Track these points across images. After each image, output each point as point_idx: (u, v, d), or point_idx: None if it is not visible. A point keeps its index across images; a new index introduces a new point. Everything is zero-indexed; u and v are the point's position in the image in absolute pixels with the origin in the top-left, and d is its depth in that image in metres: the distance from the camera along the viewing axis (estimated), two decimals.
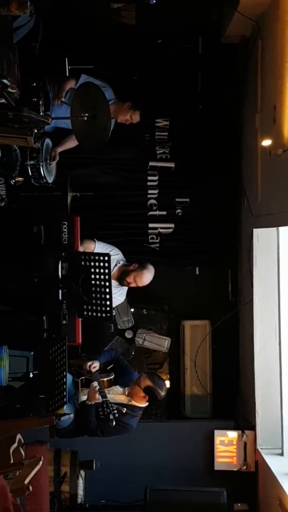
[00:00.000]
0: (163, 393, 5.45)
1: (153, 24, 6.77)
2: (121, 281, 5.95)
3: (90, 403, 5.31)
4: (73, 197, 6.30)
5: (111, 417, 5.08)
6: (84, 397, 5.42)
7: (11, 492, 3.63)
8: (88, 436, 5.49)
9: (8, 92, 4.51)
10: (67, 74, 6.11)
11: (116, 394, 5.51)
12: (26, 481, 3.86)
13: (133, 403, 5.45)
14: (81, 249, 5.65)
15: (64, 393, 4.72)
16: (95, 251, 5.82)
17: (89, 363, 5.53)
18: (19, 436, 4.27)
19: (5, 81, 4.43)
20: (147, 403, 5.49)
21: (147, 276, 5.97)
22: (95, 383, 5.34)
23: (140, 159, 6.87)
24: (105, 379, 5.52)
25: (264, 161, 5.53)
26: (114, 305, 5.58)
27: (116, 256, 6.05)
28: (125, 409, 5.27)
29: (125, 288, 6.13)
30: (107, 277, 5.27)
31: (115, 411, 5.11)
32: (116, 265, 6.00)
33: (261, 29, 5.82)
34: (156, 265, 6.17)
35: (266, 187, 5.67)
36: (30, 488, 3.80)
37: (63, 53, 6.19)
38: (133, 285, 5.98)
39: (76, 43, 6.51)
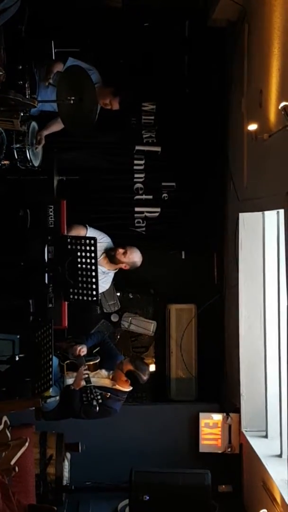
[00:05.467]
0: (145, 377, 5.48)
1: (140, 7, 6.73)
2: (112, 258, 5.98)
3: (74, 388, 5.33)
4: (59, 180, 6.29)
5: (94, 403, 5.13)
6: (70, 380, 5.43)
7: None
8: (73, 419, 5.51)
9: None
10: (53, 57, 6.08)
11: (101, 378, 5.53)
12: (12, 462, 3.88)
13: (117, 387, 5.48)
14: (70, 233, 5.66)
15: (50, 376, 4.73)
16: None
17: (78, 348, 5.55)
18: (5, 418, 4.30)
19: None
20: (131, 387, 5.52)
21: (137, 253, 6.04)
22: (84, 368, 5.35)
23: (126, 143, 6.86)
24: (91, 362, 5.55)
25: (250, 146, 5.54)
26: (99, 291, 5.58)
27: (106, 244, 6.06)
28: (109, 394, 5.32)
29: (111, 276, 6.16)
30: (93, 260, 5.27)
31: (99, 397, 5.15)
32: (103, 252, 6.02)
33: (247, 12, 5.81)
34: (142, 249, 6.19)
35: (252, 172, 5.68)
36: (16, 468, 3.83)
37: (49, 36, 6.15)
38: (123, 259, 6.00)
39: (62, 25, 6.46)
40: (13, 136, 5.48)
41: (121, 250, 6.03)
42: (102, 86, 6.03)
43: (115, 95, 6.02)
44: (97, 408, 5.14)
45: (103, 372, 5.60)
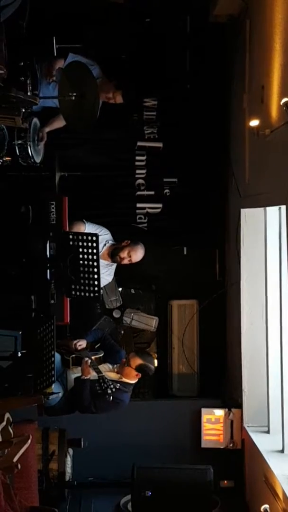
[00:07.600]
0: (153, 367, 5.62)
1: (141, 2, 6.73)
2: (114, 257, 5.98)
3: (85, 377, 5.37)
4: (61, 177, 6.29)
5: (109, 391, 5.21)
6: (76, 375, 5.47)
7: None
8: (79, 414, 5.53)
9: None
10: (55, 53, 6.08)
11: (107, 372, 5.58)
12: (15, 459, 3.89)
13: (124, 379, 5.53)
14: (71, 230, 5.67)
15: (52, 372, 4.74)
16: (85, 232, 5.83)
17: (75, 342, 5.61)
18: (7, 415, 4.31)
19: None
20: (137, 379, 5.56)
21: (141, 251, 6.04)
22: (86, 358, 5.40)
23: (128, 139, 6.86)
24: (94, 357, 5.58)
25: (252, 141, 5.53)
26: (102, 284, 5.60)
27: (105, 236, 6.06)
28: (119, 384, 5.38)
29: (113, 268, 6.15)
30: (95, 257, 5.27)
31: (112, 386, 5.21)
32: (105, 245, 6.01)
33: (249, 8, 5.80)
34: (144, 245, 6.19)
35: (253, 168, 5.68)
36: (19, 466, 3.83)
37: (51, 32, 6.15)
38: (126, 260, 5.99)
39: (64, 21, 6.46)
40: (15, 133, 5.49)
41: (126, 259, 6.01)
42: (104, 80, 6.03)
43: (118, 88, 6.02)
44: (111, 397, 5.19)
45: (108, 365, 5.64)
